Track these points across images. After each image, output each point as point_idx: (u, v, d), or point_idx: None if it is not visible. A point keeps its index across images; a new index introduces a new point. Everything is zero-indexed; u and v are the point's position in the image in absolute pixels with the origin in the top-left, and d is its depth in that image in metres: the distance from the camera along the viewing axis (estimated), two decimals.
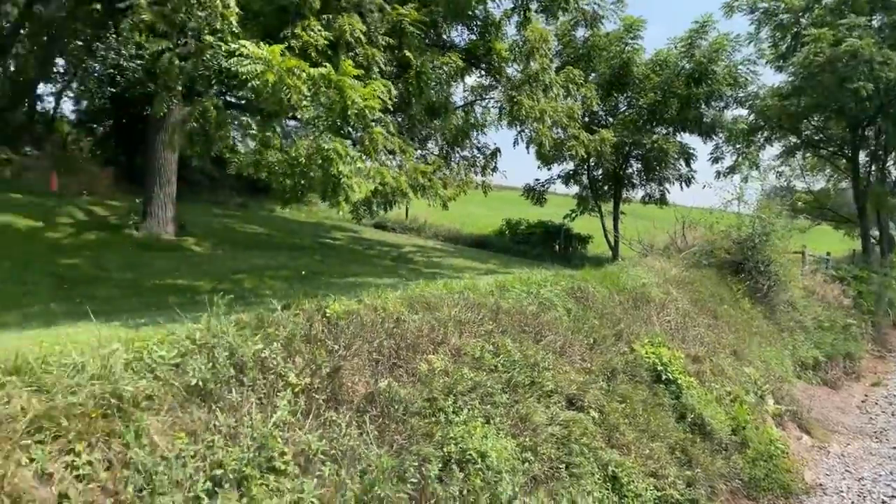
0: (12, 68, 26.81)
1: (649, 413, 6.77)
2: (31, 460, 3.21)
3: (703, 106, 22.87)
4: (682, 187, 24.54)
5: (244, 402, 4.05)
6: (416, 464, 4.32)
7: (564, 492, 5.07)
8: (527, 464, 5.01)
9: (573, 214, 26.14)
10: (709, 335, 9.94)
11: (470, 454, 4.60)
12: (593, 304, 8.15)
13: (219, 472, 3.56)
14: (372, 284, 7.31)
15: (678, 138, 23.86)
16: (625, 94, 23.44)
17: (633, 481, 5.63)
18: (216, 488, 3.51)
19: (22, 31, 24.50)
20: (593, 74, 21.86)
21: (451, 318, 6.03)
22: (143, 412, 3.60)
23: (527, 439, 5.21)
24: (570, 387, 6.19)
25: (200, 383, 3.89)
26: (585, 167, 24.53)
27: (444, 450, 4.59)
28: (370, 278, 11.08)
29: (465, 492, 4.43)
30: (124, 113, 23.19)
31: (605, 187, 25.63)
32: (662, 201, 24.44)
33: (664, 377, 7.55)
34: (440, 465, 4.47)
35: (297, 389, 4.36)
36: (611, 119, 23.54)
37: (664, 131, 23.71)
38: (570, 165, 24.44)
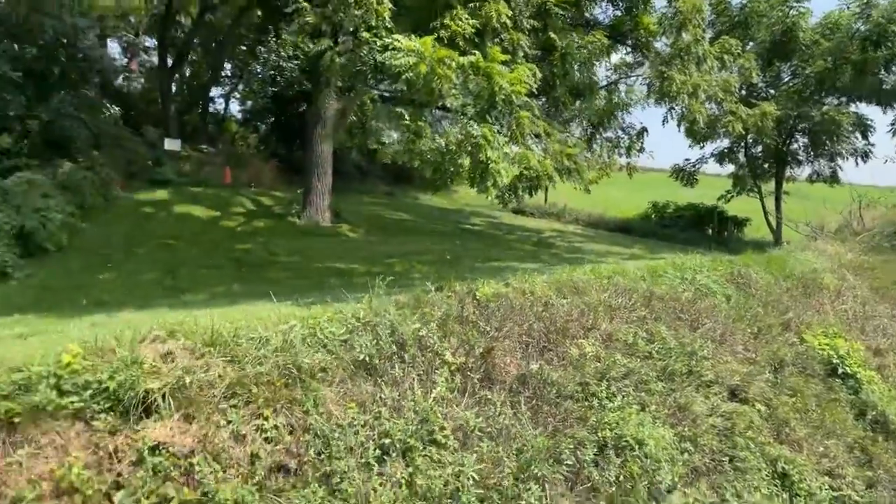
0: (188, 74, 30.14)
1: (823, 409, 6.24)
2: (228, 422, 3.64)
3: (882, 72, 20.17)
4: (857, 163, 21.93)
5: (406, 377, 4.29)
6: (572, 446, 4.33)
7: (728, 485, 4.83)
8: (686, 454, 4.83)
9: (728, 195, 24.31)
10: (892, 326, 8.91)
11: (626, 441, 4.52)
12: (756, 290, 7.64)
13: (386, 441, 3.82)
14: (515, 269, 7.36)
15: (852, 109, 21.33)
16: (788, 63, 21.31)
17: (805, 479, 5.24)
18: (384, 456, 3.77)
19: (195, 40, 27.35)
20: (751, 43, 20.12)
21: (601, 303, 5.93)
22: (319, 383, 3.95)
23: (686, 429, 5.01)
24: (731, 377, 5.86)
25: (367, 358, 4.19)
26: (743, 144, 22.72)
27: (599, 434, 4.56)
28: (512, 262, 11.14)
29: (621, 478, 4.37)
30: (283, 110, 25.27)
31: (766, 165, 23.55)
32: (833, 179, 22.09)
33: (840, 371, 6.94)
34: (595, 450, 4.44)
35: (453, 368, 4.53)
36: (772, 91, 21.57)
37: (836, 102, 21.32)
38: (724, 143, 22.80)
